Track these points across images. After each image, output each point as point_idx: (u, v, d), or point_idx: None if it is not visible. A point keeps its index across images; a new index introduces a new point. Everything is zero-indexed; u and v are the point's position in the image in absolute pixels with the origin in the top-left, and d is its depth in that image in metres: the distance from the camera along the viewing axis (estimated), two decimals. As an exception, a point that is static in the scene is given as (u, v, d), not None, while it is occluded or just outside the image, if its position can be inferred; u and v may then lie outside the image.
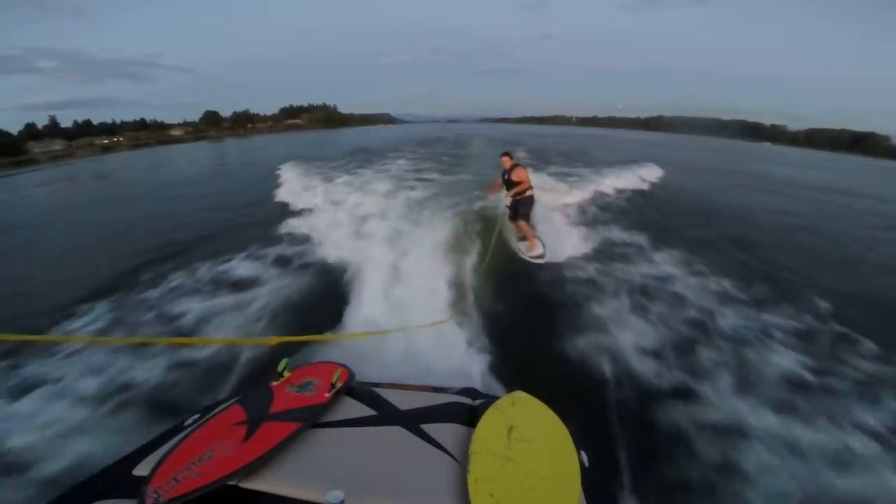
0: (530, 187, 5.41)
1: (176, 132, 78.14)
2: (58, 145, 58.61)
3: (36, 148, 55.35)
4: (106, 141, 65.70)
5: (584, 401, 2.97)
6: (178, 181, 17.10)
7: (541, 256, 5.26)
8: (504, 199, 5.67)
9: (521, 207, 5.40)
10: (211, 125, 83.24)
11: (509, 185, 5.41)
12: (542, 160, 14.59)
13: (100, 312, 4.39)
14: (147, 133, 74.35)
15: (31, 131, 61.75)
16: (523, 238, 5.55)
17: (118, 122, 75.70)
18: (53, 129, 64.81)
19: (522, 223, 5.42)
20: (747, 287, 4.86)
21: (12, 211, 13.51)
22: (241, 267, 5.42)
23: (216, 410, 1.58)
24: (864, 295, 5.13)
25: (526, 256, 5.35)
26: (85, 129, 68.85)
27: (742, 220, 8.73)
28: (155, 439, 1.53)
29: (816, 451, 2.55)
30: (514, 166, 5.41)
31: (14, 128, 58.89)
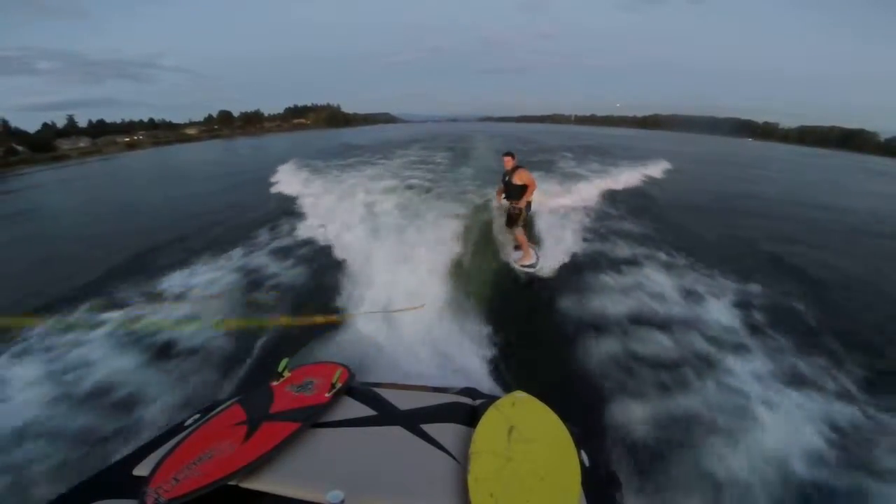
0: (532, 191, 5.09)
1: (191, 131, 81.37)
2: (83, 143, 61.60)
3: (65, 145, 58.37)
4: (127, 139, 68.47)
5: (584, 401, 2.96)
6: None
7: (532, 266, 5.03)
8: (504, 202, 5.34)
9: (518, 212, 5.11)
10: (224, 124, 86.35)
11: (509, 187, 5.11)
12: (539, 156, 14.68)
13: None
14: (165, 132, 77.59)
15: (52, 130, 64.50)
16: (517, 246, 5.28)
17: (126, 121, 79.20)
18: (73, 128, 67.93)
19: (518, 230, 5.13)
20: (739, 282, 4.87)
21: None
22: (243, 262, 5.53)
23: (216, 410, 1.58)
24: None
25: (516, 266, 5.08)
26: (100, 128, 71.81)
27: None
28: (155, 439, 1.53)
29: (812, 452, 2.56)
30: (516, 168, 5.08)
31: (29, 127, 61.84)
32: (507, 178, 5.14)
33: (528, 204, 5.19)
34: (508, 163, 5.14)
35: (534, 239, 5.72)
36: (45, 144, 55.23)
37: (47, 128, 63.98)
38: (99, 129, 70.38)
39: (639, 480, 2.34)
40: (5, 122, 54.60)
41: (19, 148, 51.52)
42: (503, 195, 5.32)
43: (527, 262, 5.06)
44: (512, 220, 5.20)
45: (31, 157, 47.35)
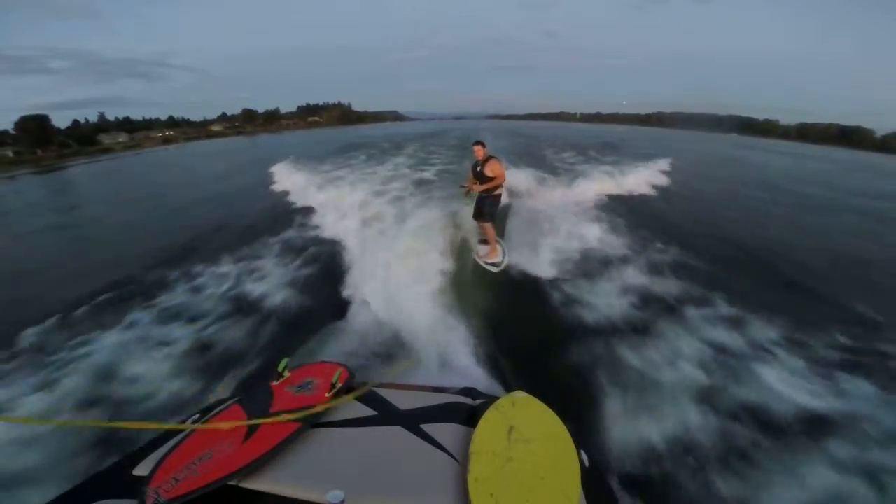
0: (502, 185, 4.84)
1: (216, 128, 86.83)
2: (122, 138, 66.92)
3: (106, 140, 63.87)
4: (160, 134, 73.62)
5: (584, 401, 2.96)
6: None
7: (497, 265, 4.82)
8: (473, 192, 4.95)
9: (487, 206, 4.86)
10: (247, 122, 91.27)
11: (480, 178, 4.77)
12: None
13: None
14: (193, 129, 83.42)
15: (89, 126, 69.36)
16: (484, 241, 5.11)
17: (146, 119, 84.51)
18: (107, 124, 73.25)
19: (487, 225, 4.94)
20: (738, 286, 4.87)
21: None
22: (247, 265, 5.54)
23: (216, 410, 1.58)
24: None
25: (481, 261, 4.87)
26: (128, 125, 77.12)
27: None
28: (155, 439, 1.52)
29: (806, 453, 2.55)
30: (489, 158, 4.75)
31: (59, 124, 64.86)
32: (478, 169, 4.81)
33: (498, 198, 4.93)
34: (479, 152, 4.79)
35: (504, 235, 5.54)
36: (89, 139, 61.22)
37: (78, 124, 69.04)
38: (127, 126, 75.74)
39: (639, 481, 2.34)
40: (47, 120, 57.34)
41: (70, 141, 57.02)
42: (473, 185, 4.90)
43: (491, 260, 4.85)
44: (479, 212, 4.97)
45: (80, 149, 52.44)
